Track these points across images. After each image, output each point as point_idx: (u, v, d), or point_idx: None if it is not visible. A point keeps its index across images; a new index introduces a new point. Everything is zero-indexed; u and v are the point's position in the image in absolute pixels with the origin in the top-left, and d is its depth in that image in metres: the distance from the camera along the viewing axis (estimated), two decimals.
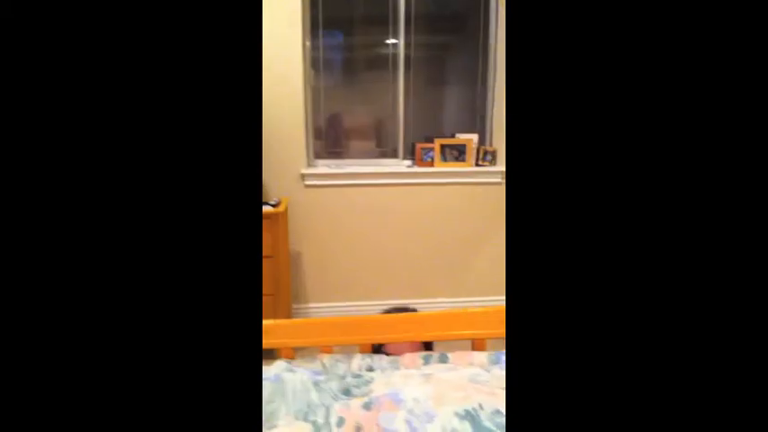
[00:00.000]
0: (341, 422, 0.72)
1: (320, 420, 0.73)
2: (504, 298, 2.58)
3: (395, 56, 2.88)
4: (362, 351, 0.98)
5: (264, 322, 1.10)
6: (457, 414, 0.74)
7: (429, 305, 2.85)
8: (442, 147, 2.76)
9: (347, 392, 0.82)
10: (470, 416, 0.74)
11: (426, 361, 0.93)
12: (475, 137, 2.81)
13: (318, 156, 2.90)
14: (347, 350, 1.01)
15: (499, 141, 2.82)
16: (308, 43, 2.76)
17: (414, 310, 1.23)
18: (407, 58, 2.87)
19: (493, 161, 2.79)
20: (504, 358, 0.93)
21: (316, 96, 2.88)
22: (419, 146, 2.81)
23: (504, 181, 2.79)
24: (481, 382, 0.84)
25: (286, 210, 2.49)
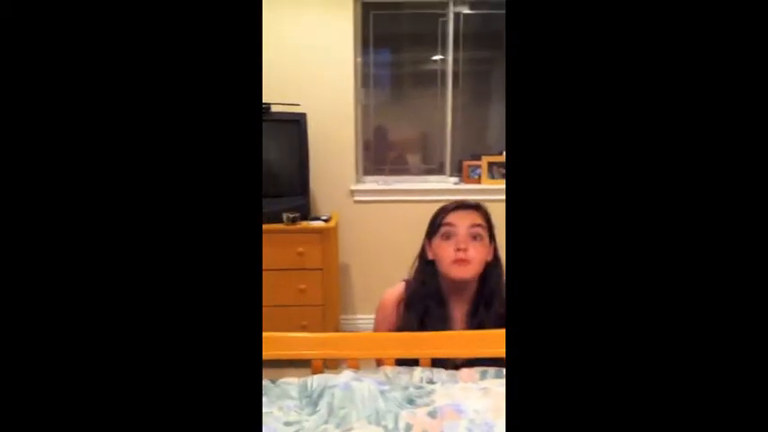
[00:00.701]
0: (408, 428, 0.80)
1: (390, 425, 0.80)
2: None
3: (443, 72, 2.95)
4: (422, 364, 1.05)
5: (328, 335, 1.18)
6: None
7: None
8: (490, 164, 2.82)
9: (411, 402, 0.89)
10: None
11: (483, 376, 0.99)
12: None
13: (367, 172, 3.00)
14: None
15: None
16: (359, 59, 2.87)
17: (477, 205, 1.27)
18: (455, 74, 2.94)
19: None
20: None
21: (365, 113, 2.98)
22: (466, 163, 2.87)
23: None
24: None
25: (336, 225, 2.59)
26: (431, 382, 0.97)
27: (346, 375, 0.95)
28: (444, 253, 1.20)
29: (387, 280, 2.83)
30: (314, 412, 0.88)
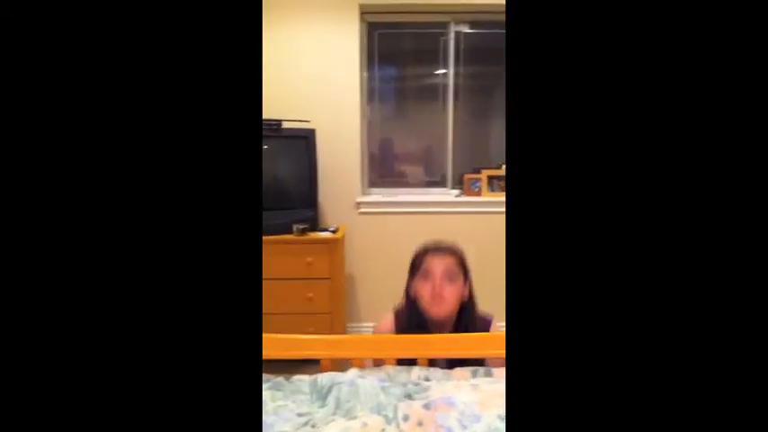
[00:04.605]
0: (406, 417, 0.91)
1: (390, 415, 0.91)
2: None
3: (444, 86, 3.07)
4: (420, 364, 1.16)
5: (336, 336, 1.30)
6: (499, 416, 0.91)
7: None
8: (489, 177, 2.93)
9: (409, 396, 1.00)
10: None
11: (474, 375, 1.10)
12: None
13: (372, 184, 3.12)
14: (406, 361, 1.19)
15: None
16: (365, 75, 3.00)
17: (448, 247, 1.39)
18: (456, 88, 3.06)
19: None
20: None
21: (371, 127, 3.11)
22: (467, 176, 2.99)
23: None
24: None
25: (343, 236, 2.71)
26: (427, 379, 1.08)
27: (352, 373, 1.07)
28: (423, 292, 1.34)
29: (390, 289, 2.95)
30: (323, 405, 0.99)
